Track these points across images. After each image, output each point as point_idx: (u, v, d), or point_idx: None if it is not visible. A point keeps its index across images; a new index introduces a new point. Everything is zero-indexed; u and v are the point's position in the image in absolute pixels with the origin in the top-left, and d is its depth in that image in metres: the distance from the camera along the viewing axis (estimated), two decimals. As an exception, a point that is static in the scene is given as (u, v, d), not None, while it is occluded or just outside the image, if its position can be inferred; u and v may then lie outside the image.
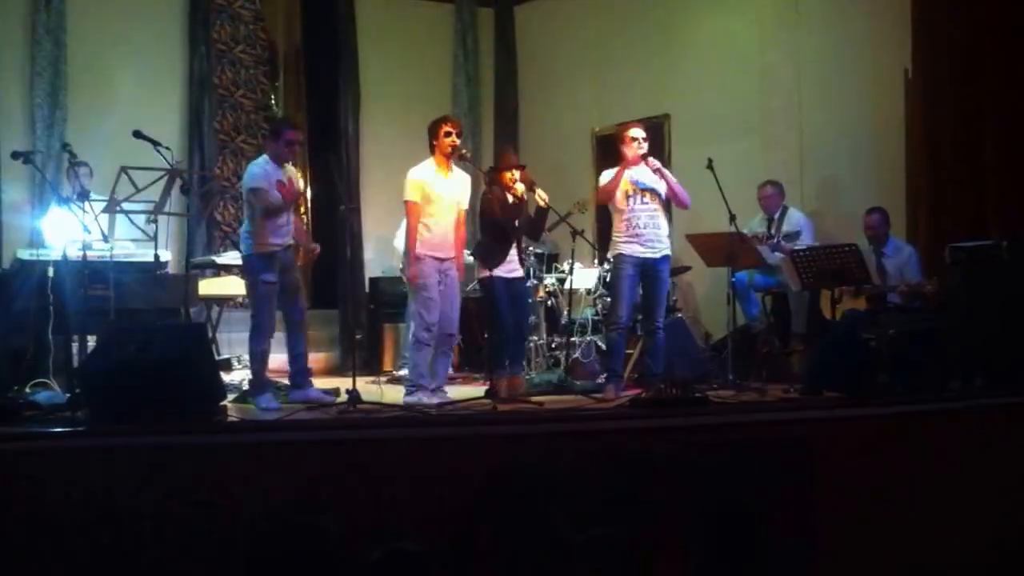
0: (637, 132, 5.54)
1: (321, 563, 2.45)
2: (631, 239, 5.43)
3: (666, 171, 5.57)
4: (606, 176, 5.61)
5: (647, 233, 5.43)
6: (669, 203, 5.64)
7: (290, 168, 5.21)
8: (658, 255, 5.47)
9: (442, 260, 5.18)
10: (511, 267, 5.59)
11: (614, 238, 5.54)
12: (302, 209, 5.33)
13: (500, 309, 5.42)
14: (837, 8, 6.96)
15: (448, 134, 5.16)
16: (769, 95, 7.26)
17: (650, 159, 5.48)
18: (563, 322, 6.49)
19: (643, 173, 5.49)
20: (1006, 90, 6.16)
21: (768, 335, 6.30)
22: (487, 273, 5.40)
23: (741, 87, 7.39)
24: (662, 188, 5.50)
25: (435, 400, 5.00)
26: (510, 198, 5.64)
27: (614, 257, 5.50)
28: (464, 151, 5.35)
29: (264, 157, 5.12)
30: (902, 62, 6.51)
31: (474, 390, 5.55)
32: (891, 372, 5.15)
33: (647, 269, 5.44)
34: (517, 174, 5.66)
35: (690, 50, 7.77)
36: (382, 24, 8.47)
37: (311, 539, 2.46)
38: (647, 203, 5.46)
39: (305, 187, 8.49)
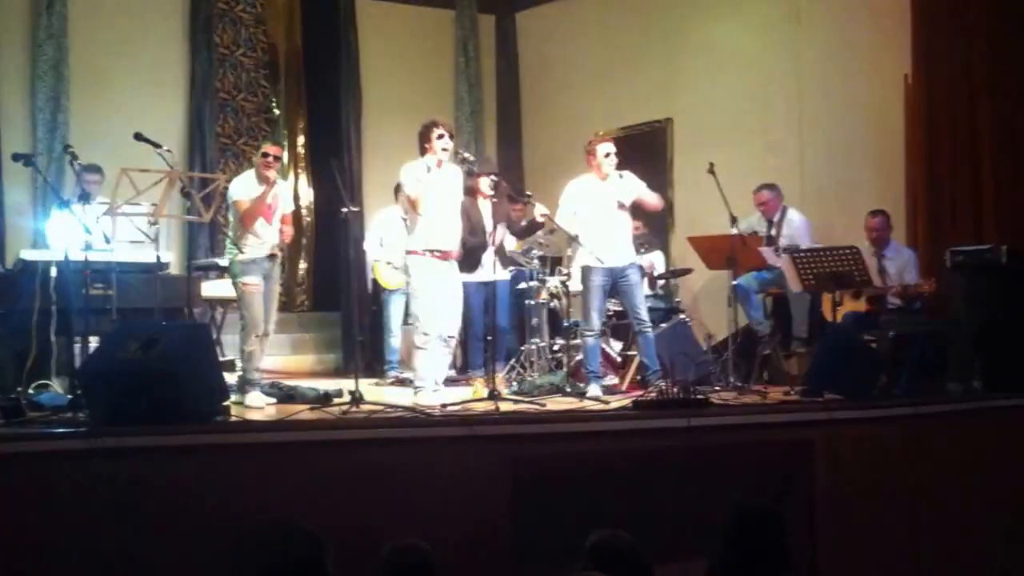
0: (609, 147, 5.59)
1: (317, 566, 2.46)
2: (596, 250, 5.49)
3: (635, 179, 5.62)
4: (567, 197, 5.61)
5: (613, 244, 5.53)
6: (636, 210, 5.73)
7: (279, 184, 5.34)
8: (624, 263, 5.56)
9: (443, 257, 5.18)
10: (485, 272, 5.65)
11: (580, 249, 5.60)
12: (288, 231, 5.44)
13: (474, 313, 5.47)
14: (838, 15, 6.99)
15: (440, 136, 5.18)
16: (770, 100, 7.29)
17: (621, 174, 5.56)
18: (565, 324, 6.49)
19: (614, 186, 5.56)
20: (1004, 95, 6.19)
21: (770, 337, 6.31)
22: (466, 279, 5.53)
23: (742, 92, 7.42)
24: (629, 199, 5.59)
25: (437, 400, 5.01)
26: (481, 205, 5.68)
27: (582, 268, 5.58)
28: (467, 155, 5.36)
29: (249, 172, 5.33)
30: (902, 68, 6.55)
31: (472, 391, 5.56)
32: (891, 374, 5.17)
33: (616, 278, 5.54)
34: (491, 179, 5.69)
35: (692, 55, 7.79)
36: (383, 29, 8.48)
37: (306, 543, 2.47)
38: (614, 214, 5.56)
39: (306, 191, 8.55)
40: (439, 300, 5.13)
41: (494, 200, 5.59)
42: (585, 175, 5.68)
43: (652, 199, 5.69)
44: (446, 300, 5.19)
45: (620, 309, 6.14)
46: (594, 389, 5.50)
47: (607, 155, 5.54)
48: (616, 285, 5.57)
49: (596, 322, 5.56)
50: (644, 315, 5.60)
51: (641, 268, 5.83)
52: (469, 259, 5.62)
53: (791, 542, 4.09)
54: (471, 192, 5.71)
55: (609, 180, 5.58)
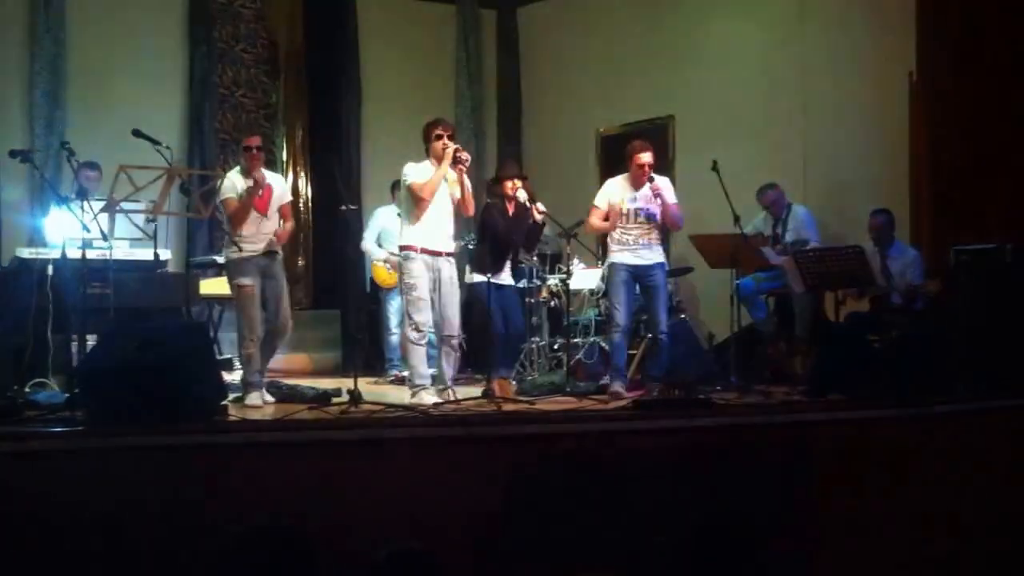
0: (647, 157, 5.56)
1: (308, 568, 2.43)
2: (622, 249, 5.56)
3: (664, 193, 5.58)
4: (602, 197, 5.66)
5: (638, 246, 5.56)
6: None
7: (269, 176, 5.34)
8: (650, 263, 5.56)
9: (435, 255, 5.17)
10: (503, 276, 5.65)
11: (608, 247, 5.68)
12: (288, 223, 5.41)
13: (491, 315, 5.45)
14: (842, 11, 6.96)
15: (439, 137, 5.19)
16: (774, 98, 7.25)
17: (654, 183, 5.53)
18: (565, 323, 6.46)
19: (644, 196, 5.58)
20: (1009, 93, 6.15)
21: (774, 337, 6.28)
22: (477, 279, 5.47)
23: (746, 89, 7.38)
24: (658, 211, 5.57)
25: (438, 399, 4.99)
26: (511, 208, 5.66)
27: (608, 265, 5.64)
28: (462, 162, 5.34)
29: (235, 169, 5.34)
30: (906, 66, 6.51)
31: (475, 391, 5.53)
32: (895, 375, 5.13)
33: (640, 276, 5.56)
34: (518, 183, 5.70)
35: (695, 52, 7.75)
36: (384, 24, 8.45)
37: (292, 546, 2.44)
38: (641, 223, 5.58)
39: (305, 187, 8.51)
40: (428, 296, 5.13)
41: (522, 204, 5.58)
42: (622, 175, 5.70)
43: (673, 219, 5.63)
44: (440, 298, 5.16)
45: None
46: (618, 386, 5.48)
47: (640, 167, 5.52)
48: (641, 284, 5.59)
49: (623, 318, 5.55)
50: (662, 318, 5.56)
51: (666, 268, 5.79)
52: (498, 261, 5.60)
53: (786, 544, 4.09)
54: (497, 195, 5.71)
55: (643, 188, 5.58)
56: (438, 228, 5.20)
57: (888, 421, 4.86)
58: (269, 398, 5.13)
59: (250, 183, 5.16)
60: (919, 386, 5.12)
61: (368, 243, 7.11)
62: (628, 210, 5.56)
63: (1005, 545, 4.96)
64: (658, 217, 5.57)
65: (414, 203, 5.16)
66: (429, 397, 4.98)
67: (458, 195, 5.25)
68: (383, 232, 7.02)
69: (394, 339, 6.94)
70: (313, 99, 8.42)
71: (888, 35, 6.69)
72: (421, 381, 5.08)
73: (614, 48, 8.25)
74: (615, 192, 5.66)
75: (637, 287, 5.65)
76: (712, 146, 6.79)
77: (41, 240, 5.65)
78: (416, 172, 5.18)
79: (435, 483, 4.01)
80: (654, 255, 5.60)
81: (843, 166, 6.89)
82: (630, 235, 5.55)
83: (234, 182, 5.20)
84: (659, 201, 5.54)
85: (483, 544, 3.99)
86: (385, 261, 6.92)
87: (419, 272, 5.11)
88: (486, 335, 5.65)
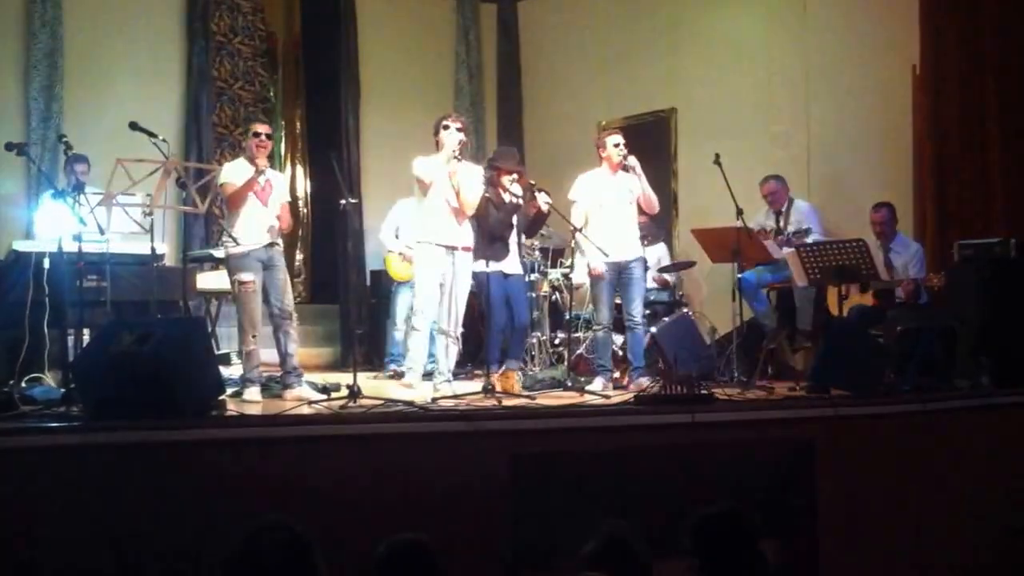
0: (618, 138, 5.59)
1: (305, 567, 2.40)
2: (603, 244, 5.51)
3: (641, 174, 5.58)
4: (580, 192, 5.64)
5: (620, 238, 5.54)
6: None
7: (271, 172, 5.28)
8: (630, 257, 5.56)
9: (449, 249, 5.18)
10: (508, 263, 5.59)
11: (587, 243, 5.62)
12: (284, 225, 5.34)
13: (491, 305, 5.42)
14: (845, 3, 6.92)
15: (447, 128, 5.22)
16: (776, 90, 7.21)
17: (629, 160, 5.53)
18: (567, 318, 6.43)
19: (624, 180, 5.57)
20: (1014, 87, 6.12)
21: (777, 332, 6.24)
22: (478, 268, 5.47)
23: (748, 82, 7.35)
24: (638, 192, 5.56)
25: (439, 392, 4.99)
26: (507, 198, 5.64)
27: (590, 262, 5.62)
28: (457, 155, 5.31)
29: (240, 159, 5.28)
30: (910, 58, 6.48)
31: (477, 385, 5.50)
32: (898, 369, 5.10)
33: (621, 272, 5.56)
34: (514, 177, 5.67)
35: (697, 44, 7.71)
36: (383, 17, 8.40)
37: (293, 544, 2.40)
38: (622, 208, 5.56)
39: (304, 182, 8.46)
40: (434, 282, 5.16)
41: (515, 199, 5.55)
42: (595, 169, 5.70)
43: (650, 201, 5.65)
44: (448, 292, 5.15)
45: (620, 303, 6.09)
46: (598, 383, 5.48)
47: (616, 145, 5.55)
48: (619, 278, 5.60)
49: (605, 315, 5.60)
50: (636, 311, 5.59)
51: (645, 262, 5.77)
52: (492, 249, 5.58)
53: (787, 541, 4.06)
54: (493, 184, 5.69)
55: (619, 173, 5.59)
56: (450, 222, 5.19)
57: (891, 416, 4.83)
58: (314, 395, 5.01)
59: (252, 171, 5.10)
60: (922, 381, 5.09)
61: (384, 234, 7.05)
62: (608, 199, 5.55)
63: (1009, 542, 4.94)
64: (637, 199, 5.56)
65: (423, 196, 5.20)
66: (415, 382, 5.03)
67: (463, 193, 5.19)
68: (401, 225, 6.95)
69: (399, 334, 6.89)
70: (311, 92, 8.38)
71: (891, 28, 6.65)
72: (412, 365, 5.17)
73: (615, 41, 8.20)
74: (592, 184, 5.63)
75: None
76: (714, 139, 6.75)
77: (32, 233, 5.61)
78: (421, 165, 5.20)
79: (435, 478, 3.98)
80: (634, 249, 5.59)
81: (846, 159, 6.85)
82: (611, 225, 5.54)
83: (236, 169, 5.16)
84: (634, 183, 5.53)
85: (484, 539, 3.96)
86: (400, 254, 6.85)
87: (429, 258, 5.16)
88: (487, 327, 5.62)
